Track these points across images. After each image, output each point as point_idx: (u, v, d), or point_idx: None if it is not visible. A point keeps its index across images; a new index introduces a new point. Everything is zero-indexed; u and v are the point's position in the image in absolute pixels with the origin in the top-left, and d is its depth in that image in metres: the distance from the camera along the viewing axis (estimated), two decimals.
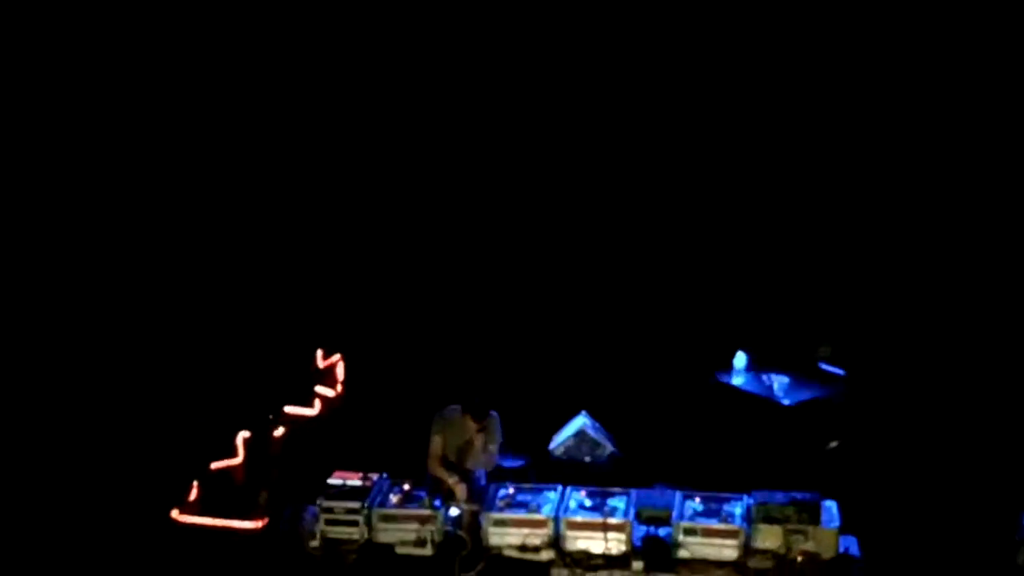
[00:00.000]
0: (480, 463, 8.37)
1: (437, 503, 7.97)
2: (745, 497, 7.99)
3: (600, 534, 7.85)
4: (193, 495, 8.51)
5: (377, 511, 7.99)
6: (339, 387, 9.68)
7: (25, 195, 10.09)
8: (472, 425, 8.38)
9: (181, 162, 10.69)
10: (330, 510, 7.99)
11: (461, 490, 7.99)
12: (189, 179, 10.62)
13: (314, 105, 10.88)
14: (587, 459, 9.28)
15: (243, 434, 8.86)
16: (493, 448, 8.39)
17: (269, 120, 10.75)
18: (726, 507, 7.90)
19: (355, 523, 7.99)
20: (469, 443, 8.33)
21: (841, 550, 7.78)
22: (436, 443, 8.27)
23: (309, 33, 10.79)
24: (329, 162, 10.84)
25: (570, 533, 7.89)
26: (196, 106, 10.68)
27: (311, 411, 9.38)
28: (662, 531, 7.92)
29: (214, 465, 8.75)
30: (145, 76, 10.54)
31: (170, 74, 10.60)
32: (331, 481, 8.18)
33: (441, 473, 8.15)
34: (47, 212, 10.35)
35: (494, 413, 8.44)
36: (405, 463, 8.48)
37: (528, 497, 8.04)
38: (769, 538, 7.71)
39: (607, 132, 10.68)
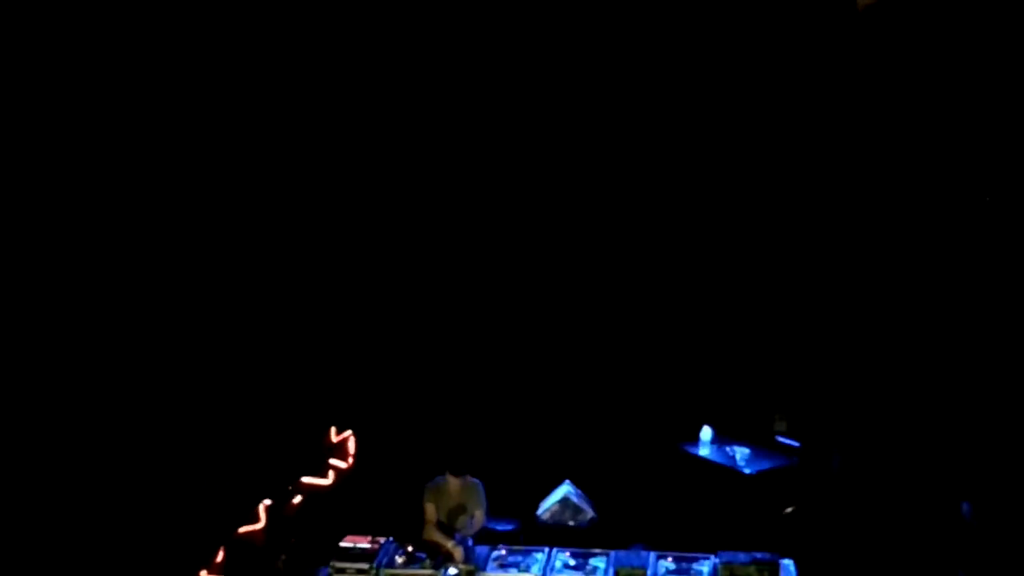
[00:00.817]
0: (467, 528, 8.59)
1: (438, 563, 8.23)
2: (712, 557, 8.30)
3: None
4: (220, 557, 8.63)
5: (384, 571, 8.23)
6: (350, 460, 9.89)
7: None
8: (460, 489, 8.65)
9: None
10: (342, 571, 8.21)
11: (459, 552, 8.32)
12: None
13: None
14: (571, 523, 9.58)
15: (265, 502, 9.02)
16: (479, 514, 8.68)
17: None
18: (695, 566, 8.21)
19: None
20: (459, 507, 8.63)
21: None
22: (429, 510, 8.61)
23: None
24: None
25: None
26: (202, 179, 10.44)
27: (325, 481, 9.58)
28: None
29: (239, 530, 8.87)
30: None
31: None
32: (343, 544, 8.47)
33: (438, 537, 8.47)
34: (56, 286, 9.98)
35: (478, 481, 8.76)
36: (408, 528, 8.62)
37: (518, 558, 8.42)
38: None
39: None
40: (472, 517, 8.60)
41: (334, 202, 10.53)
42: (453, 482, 8.60)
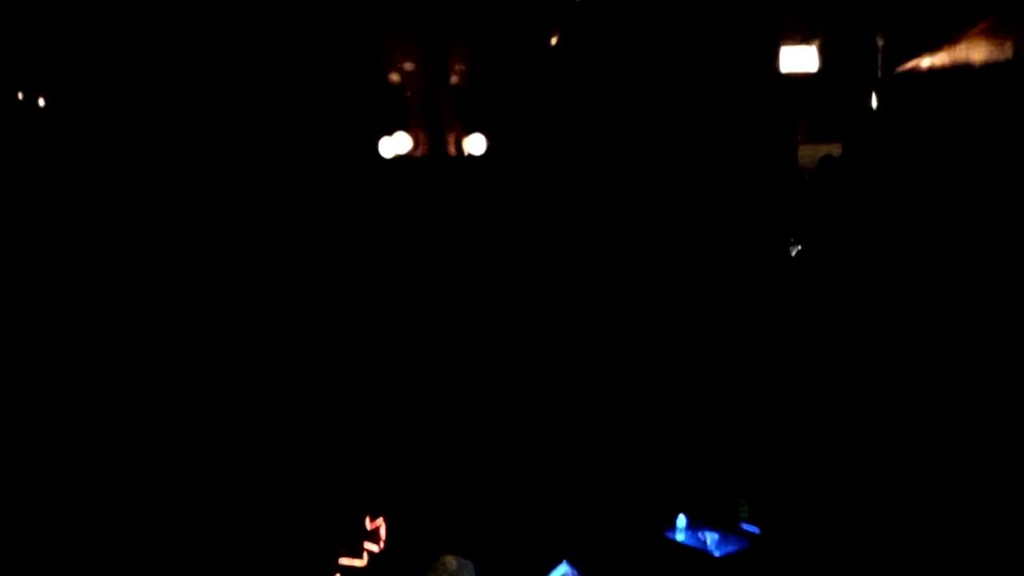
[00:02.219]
0: None
1: None
2: None
3: None
4: None
5: None
6: (382, 543, 10.40)
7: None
8: (456, 569, 9.29)
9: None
10: None
11: None
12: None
13: None
14: None
15: None
16: None
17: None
18: None
19: None
20: None
21: None
22: None
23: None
24: None
25: None
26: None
27: (361, 562, 10.18)
28: None
29: None
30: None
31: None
32: None
33: None
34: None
35: (469, 561, 9.43)
36: None
37: None
38: None
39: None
40: None
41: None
42: (451, 562, 9.35)
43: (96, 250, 10.44)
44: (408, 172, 11.93)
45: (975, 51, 10.20)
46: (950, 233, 9.96)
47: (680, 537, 10.81)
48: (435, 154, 12.06)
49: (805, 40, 12.65)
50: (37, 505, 9.20)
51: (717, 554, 10.53)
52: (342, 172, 11.65)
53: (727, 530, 10.78)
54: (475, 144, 12.13)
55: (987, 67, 10.10)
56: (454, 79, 12.17)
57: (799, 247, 11.51)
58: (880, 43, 11.53)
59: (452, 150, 12.15)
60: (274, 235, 11.38)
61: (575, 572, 10.21)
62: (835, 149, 12.27)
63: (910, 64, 10.95)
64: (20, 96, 10.04)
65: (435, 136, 12.04)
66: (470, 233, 11.59)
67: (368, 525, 10.55)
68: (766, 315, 11.16)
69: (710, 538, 10.71)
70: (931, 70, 10.72)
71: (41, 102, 10.24)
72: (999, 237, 9.67)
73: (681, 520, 10.92)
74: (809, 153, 12.12)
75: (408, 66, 12.03)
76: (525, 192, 11.73)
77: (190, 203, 10.96)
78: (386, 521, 10.55)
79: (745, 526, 10.83)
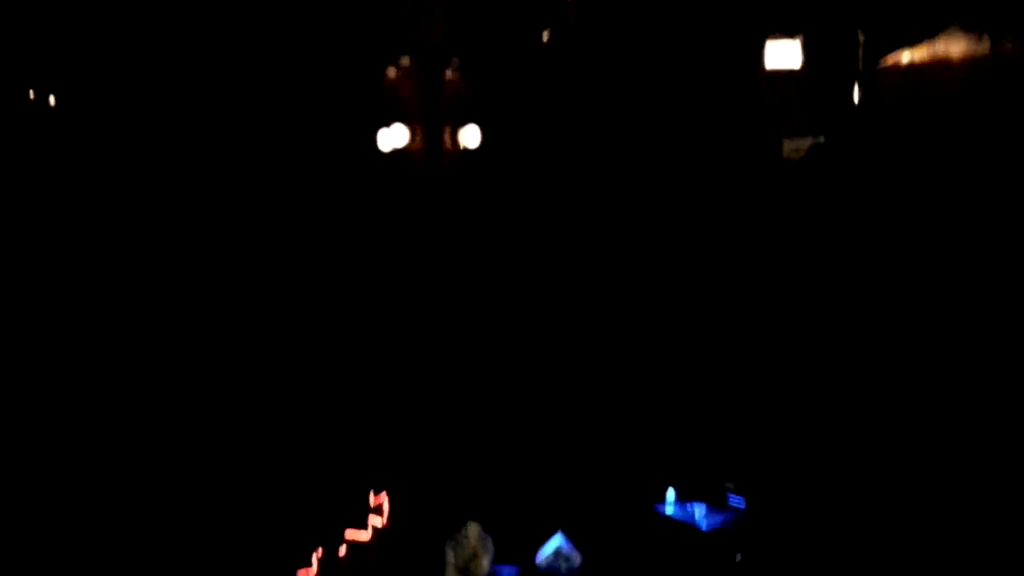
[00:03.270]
0: (479, 572, 9.57)
1: None
2: None
3: None
4: None
5: None
6: (385, 518, 10.63)
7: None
8: (476, 538, 9.60)
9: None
10: None
11: None
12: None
13: None
14: (563, 569, 10.29)
15: (318, 551, 9.83)
16: (486, 561, 9.63)
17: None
18: None
19: None
20: (473, 554, 9.60)
21: None
22: (449, 556, 9.60)
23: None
24: None
25: None
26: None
27: (366, 535, 10.32)
28: None
29: (298, 572, 9.65)
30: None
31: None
32: None
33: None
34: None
35: (488, 535, 9.73)
36: (430, 573, 9.72)
37: None
38: None
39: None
40: (482, 564, 9.62)
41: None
42: (473, 531, 9.65)
43: (95, 248, 10.78)
44: (405, 166, 12.22)
45: (952, 47, 10.50)
46: (933, 221, 10.30)
47: (669, 511, 11.02)
48: (432, 147, 12.28)
49: (789, 36, 12.82)
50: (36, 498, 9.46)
51: (704, 526, 10.75)
52: (341, 165, 11.91)
53: (714, 504, 10.96)
54: (470, 137, 12.37)
55: (963, 62, 10.44)
56: (450, 74, 12.42)
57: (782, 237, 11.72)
58: (861, 39, 11.76)
59: (448, 144, 12.39)
60: (274, 224, 11.70)
61: (569, 543, 10.44)
62: (818, 142, 12.54)
63: (891, 59, 11.22)
64: (19, 97, 10.19)
65: (432, 130, 12.25)
66: (467, 220, 11.86)
67: (372, 500, 10.74)
68: (753, 298, 11.46)
69: (698, 511, 10.92)
70: (910, 65, 11.00)
71: (40, 103, 10.38)
72: (980, 224, 10.04)
73: (670, 494, 11.10)
74: (793, 146, 12.35)
75: (405, 61, 12.28)
76: (519, 183, 11.99)
77: (185, 192, 11.31)
78: (389, 496, 10.72)
79: (732, 500, 11.02)
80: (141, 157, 11.24)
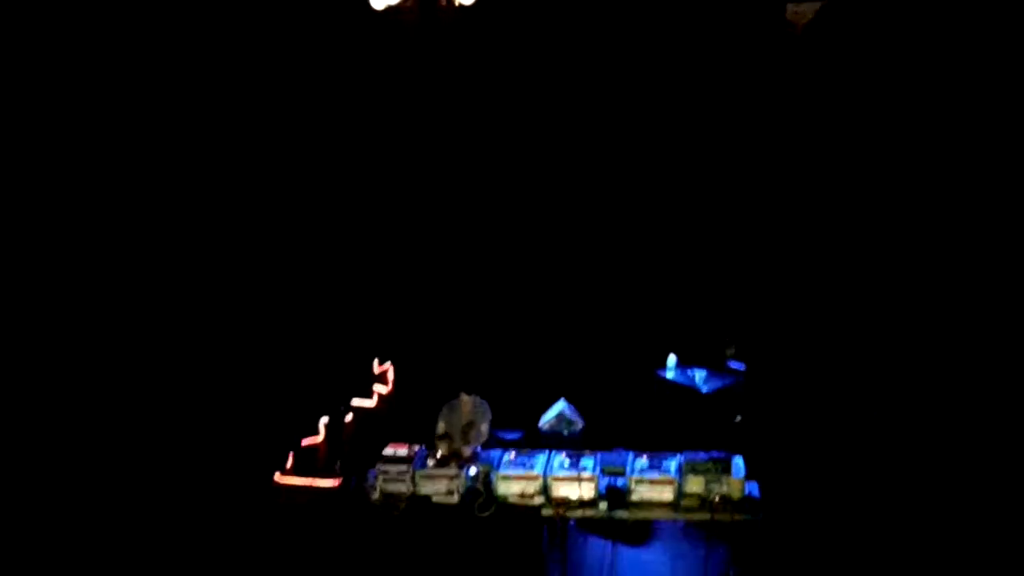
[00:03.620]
0: (476, 439, 9.64)
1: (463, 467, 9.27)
2: (678, 456, 9.27)
3: (576, 485, 9.10)
4: (289, 463, 9.61)
5: (419, 472, 9.27)
6: (390, 385, 10.74)
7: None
8: (471, 407, 9.64)
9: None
10: (386, 472, 9.26)
11: (470, 453, 9.45)
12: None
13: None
14: (565, 432, 10.36)
15: (324, 419, 9.91)
16: (485, 428, 9.69)
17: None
18: (664, 463, 9.20)
19: (403, 481, 9.22)
20: (470, 423, 9.66)
21: (746, 493, 9.01)
22: (440, 426, 9.67)
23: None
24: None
25: (555, 484, 9.15)
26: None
27: (371, 403, 10.45)
28: (619, 481, 9.08)
29: (304, 442, 9.78)
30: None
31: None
32: (386, 452, 9.49)
33: (443, 447, 9.56)
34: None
35: (484, 401, 9.77)
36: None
37: (524, 459, 9.45)
38: (695, 485, 9.00)
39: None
40: (479, 430, 9.70)
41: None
42: (466, 401, 9.70)
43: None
44: (398, 23, 11.90)
45: None
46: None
47: (670, 375, 11.21)
48: (425, 3, 11.94)
49: None
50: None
51: (705, 390, 10.88)
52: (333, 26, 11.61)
53: (715, 368, 11.13)
54: None
55: None
56: None
57: None
58: None
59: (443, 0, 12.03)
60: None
61: (572, 408, 10.53)
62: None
63: None
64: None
65: None
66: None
67: (376, 368, 10.84)
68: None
69: (699, 375, 11.07)
70: None
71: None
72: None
73: (671, 359, 11.26)
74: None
75: None
76: (514, 42, 11.71)
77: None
78: (394, 365, 10.85)
79: (732, 363, 11.21)
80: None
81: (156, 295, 10.72)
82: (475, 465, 9.46)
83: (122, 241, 10.69)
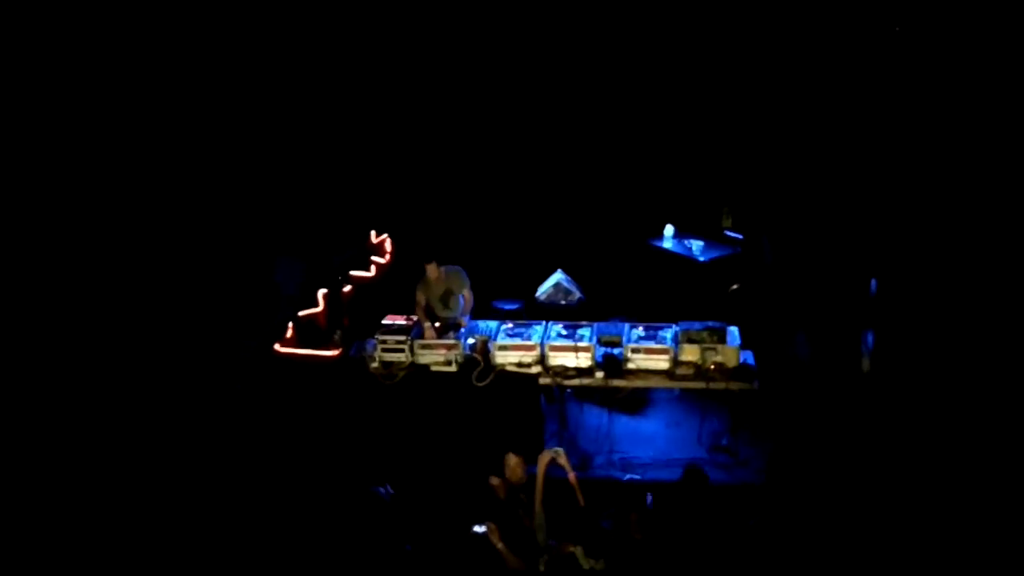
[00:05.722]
0: (459, 308, 9.62)
1: (459, 336, 9.20)
2: (673, 326, 9.21)
3: (573, 354, 9.06)
4: (289, 334, 9.61)
5: (417, 342, 9.23)
6: (388, 257, 10.76)
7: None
8: (441, 277, 9.44)
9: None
10: (384, 342, 9.20)
11: (430, 332, 9.34)
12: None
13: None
14: (563, 303, 10.53)
15: (322, 291, 9.91)
16: (467, 293, 9.59)
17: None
18: (660, 333, 9.16)
19: (402, 350, 9.17)
20: (447, 292, 9.57)
21: (741, 361, 8.97)
22: (419, 297, 9.58)
23: None
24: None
25: (552, 354, 9.10)
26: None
27: (369, 274, 10.45)
28: (616, 351, 9.02)
29: (302, 313, 9.77)
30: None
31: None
32: (384, 322, 9.44)
33: (421, 317, 9.50)
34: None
35: (458, 268, 9.57)
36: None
37: (522, 330, 9.39)
38: (690, 354, 8.95)
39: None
40: (461, 297, 9.59)
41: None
42: (431, 271, 9.48)
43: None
44: None
45: None
46: None
47: (667, 245, 11.23)
48: None
49: None
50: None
51: (701, 259, 10.90)
52: None
53: (712, 238, 11.16)
54: None
55: None
56: None
57: None
58: None
59: None
60: None
61: (569, 278, 10.55)
62: None
63: None
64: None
65: None
66: None
67: (373, 239, 10.86)
68: None
69: (695, 245, 11.09)
70: None
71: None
72: None
73: (668, 229, 11.30)
74: None
75: None
76: None
77: None
78: (392, 236, 10.85)
79: (728, 233, 11.23)
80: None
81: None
82: (473, 335, 9.38)
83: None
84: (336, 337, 9.64)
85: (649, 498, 7.73)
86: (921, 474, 8.05)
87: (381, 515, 7.41)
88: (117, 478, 8.66)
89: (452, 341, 9.30)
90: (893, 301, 9.01)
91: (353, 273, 10.35)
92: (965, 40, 8.33)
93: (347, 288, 10.18)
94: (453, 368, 9.24)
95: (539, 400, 9.23)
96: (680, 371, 9.04)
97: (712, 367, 8.96)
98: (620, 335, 9.18)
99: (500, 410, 8.96)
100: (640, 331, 9.25)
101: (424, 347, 9.31)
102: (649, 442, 9.52)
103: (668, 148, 11.35)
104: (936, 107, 8.53)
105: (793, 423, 9.14)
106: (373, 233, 10.78)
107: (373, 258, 10.58)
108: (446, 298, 9.61)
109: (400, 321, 9.48)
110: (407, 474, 8.40)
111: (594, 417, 9.63)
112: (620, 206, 11.50)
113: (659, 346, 9.03)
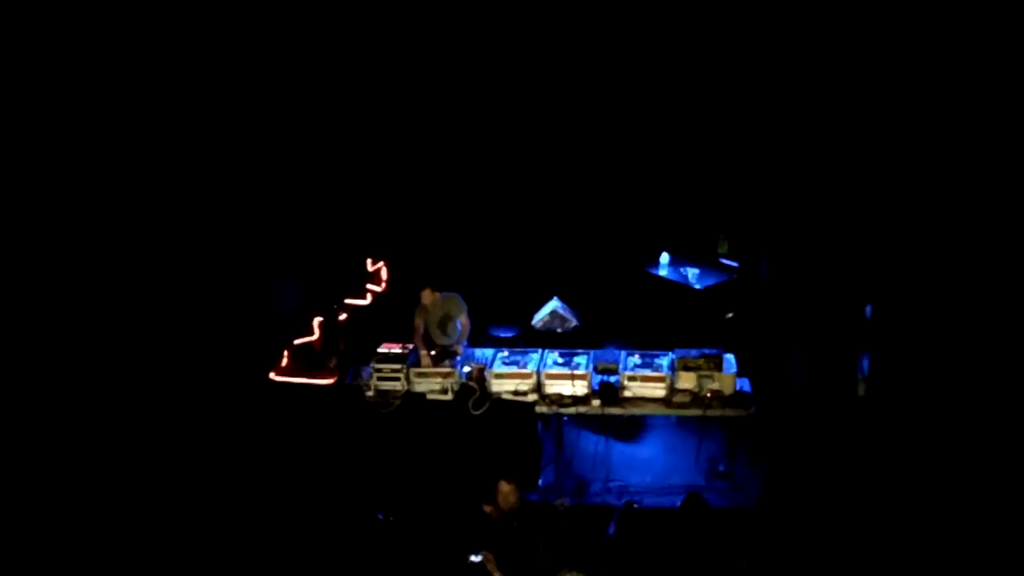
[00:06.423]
0: (457, 334, 9.53)
1: (455, 364, 9.14)
2: (670, 353, 9.15)
3: (569, 382, 9.00)
4: (284, 362, 9.59)
5: (413, 370, 9.18)
6: (383, 284, 10.71)
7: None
8: (439, 302, 9.38)
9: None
10: (380, 370, 9.15)
11: (427, 360, 9.31)
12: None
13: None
14: (559, 330, 10.42)
15: (318, 318, 9.85)
16: (463, 319, 9.50)
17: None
18: (656, 360, 9.11)
19: (398, 378, 9.12)
20: (445, 317, 9.49)
21: (737, 388, 8.91)
22: (417, 323, 9.51)
23: None
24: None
25: (548, 381, 9.04)
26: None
27: (365, 302, 10.42)
28: (612, 378, 8.98)
29: (297, 341, 9.73)
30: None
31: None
32: (380, 350, 9.37)
33: (419, 344, 9.43)
34: None
35: (455, 293, 9.51)
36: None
37: (518, 357, 9.34)
38: (687, 381, 8.88)
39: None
40: (459, 322, 9.50)
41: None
42: (427, 296, 9.41)
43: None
44: None
45: None
46: None
47: (663, 272, 11.12)
48: None
49: None
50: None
51: (697, 287, 10.80)
52: None
53: (707, 264, 11.10)
54: None
55: None
56: None
57: None
58: None
59: None
60: None
61: (564, 306, 10.47)
62: None
63: None
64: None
65: None
66: None
67: (370, 267, 10.77)
68: None
69: (691, 273, 11.00)
70: None
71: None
72: None
73: (664, 257, 11.19)
74: None
75: None
76: None
77: None
78: (387, 264, 10.78)
79: (724, 260, 11.14)
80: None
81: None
82: (469, 363, 9.31)
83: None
84: (331, 364, 9.59)
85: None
86: (917, 497, 8.00)
87: (378, 542, 7.31)
88: (110, 500, 8.59)
89: (448, 369, 9.22)
90: (888, 326, 9.02)
91: (349, 301, 10.33)
92: (958, 67, 8.36)
93: (343, 316, 10.14)
94: (449, 396, 9.15)
95: (536, 428, 9.13)
96: (677, 399, 8.96)
97: (708, 394, 8.89)
98: (616, 362, 9.12)
99: (497, 438, 8.86)
100: (636, 358, 9.19)
101: (420, 375, 9.22)
102: (646, 468, 9.45)
103: (664, 175, 11.32)
104: (930, 133, 8.55)
105: (790, 448, 9.09)
106: (369, 261, 10.75)
107: (369, 286, 10.56)
108: (444, 324, 9.54)
109: (396, 349, 9.41)
110: (403, 502, 8.31)
111: (591, 443, 9.56)
112: (617, 233, 11.48)
113: (655, 374, 8.97)
